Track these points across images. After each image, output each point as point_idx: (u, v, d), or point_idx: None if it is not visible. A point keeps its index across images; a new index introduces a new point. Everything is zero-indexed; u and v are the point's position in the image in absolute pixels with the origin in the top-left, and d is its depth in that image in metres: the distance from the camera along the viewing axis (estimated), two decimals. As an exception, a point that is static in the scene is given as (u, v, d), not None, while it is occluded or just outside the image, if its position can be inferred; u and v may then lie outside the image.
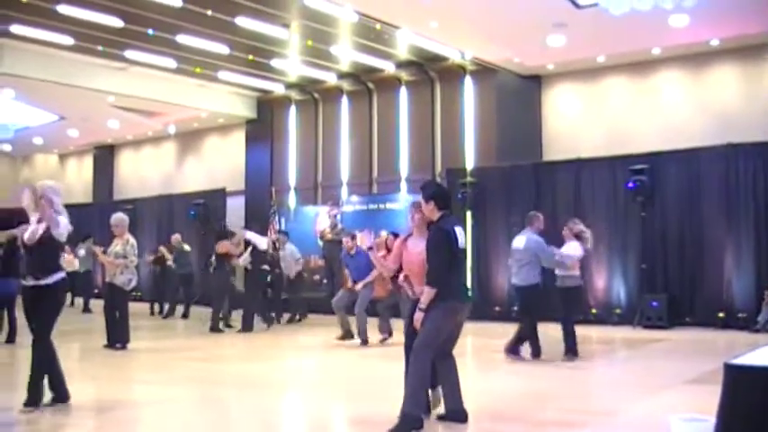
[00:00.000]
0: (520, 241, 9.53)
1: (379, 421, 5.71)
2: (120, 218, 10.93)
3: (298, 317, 15.65)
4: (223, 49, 16.46)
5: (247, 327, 13.52)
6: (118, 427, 6.12)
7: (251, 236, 14.41)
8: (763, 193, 13.13)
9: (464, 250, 5.79)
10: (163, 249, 17.22)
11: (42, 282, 6.34)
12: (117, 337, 10.76)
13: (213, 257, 14.18)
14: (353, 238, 12.29)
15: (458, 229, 5.70)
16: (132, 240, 10.80)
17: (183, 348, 11.76)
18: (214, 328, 13.44)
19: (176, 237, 17.52)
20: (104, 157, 26.39)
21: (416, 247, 5.92)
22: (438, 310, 5.52)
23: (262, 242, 14.29)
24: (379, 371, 9.37)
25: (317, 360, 10.37)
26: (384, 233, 11.79)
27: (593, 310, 14.41)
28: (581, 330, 13.16)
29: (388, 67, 18.21)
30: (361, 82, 19.28)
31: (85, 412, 6.54)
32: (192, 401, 7.08)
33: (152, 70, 18.17)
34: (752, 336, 11.95)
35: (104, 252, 10.95)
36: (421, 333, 5.55)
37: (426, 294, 5.50)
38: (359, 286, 11.45)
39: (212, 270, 14.25)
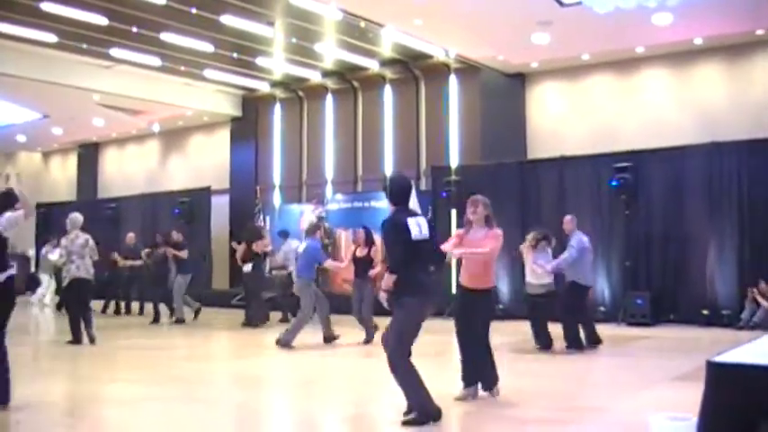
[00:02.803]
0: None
1: (365, 420, 5.71)
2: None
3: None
4: (208, 48, 16.40)
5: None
6: (99, 427, 6.09)
7: None
8: (747, 192, 13.21)
9: (429, 242, 5.79)
10: (115, 256, 16.84)
11: None
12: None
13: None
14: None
15: (412, 221, 5.71)
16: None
17: (166, 347, 11.71)
18: (248, 324, 14.03)
19: (130, 236, 17.47)
20: (89, 154, 26.20)
21: (476, 236, 6.86)
22: (407, 307, 5.56)
23: None
24: (366, 370, 9.38)
25: (303, 358, 10.33)
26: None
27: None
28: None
29: (373, 66, 18.20)
30: (345, 80, 19.26)
31: (65, 411, 6.50)
32: (174, 400, 7.03)
33: (137, 68, 18.07)
34: (736, 333, 12.03)
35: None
36: (392, 337, 5.58)
37: (387, 279, 5.57)
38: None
39: (250, 269, 14.46)
